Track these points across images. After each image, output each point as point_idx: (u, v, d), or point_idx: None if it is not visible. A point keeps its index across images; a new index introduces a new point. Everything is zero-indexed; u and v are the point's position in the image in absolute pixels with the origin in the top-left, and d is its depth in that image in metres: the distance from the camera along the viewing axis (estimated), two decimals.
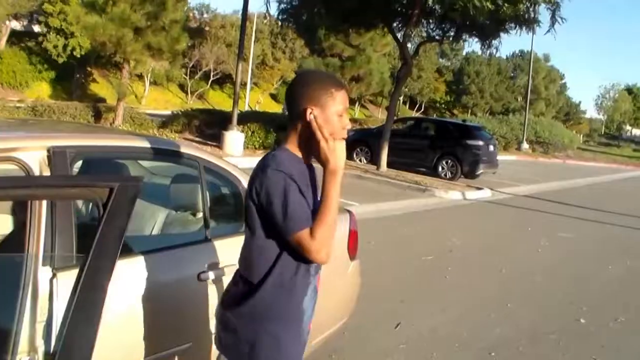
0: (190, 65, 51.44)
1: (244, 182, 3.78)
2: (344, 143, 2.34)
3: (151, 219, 4.06)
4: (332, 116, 2.35)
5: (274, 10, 20.74)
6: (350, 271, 4.36)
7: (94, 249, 2.05)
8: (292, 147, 2.42)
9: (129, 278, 2.97)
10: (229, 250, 3.51)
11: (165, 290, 3.18)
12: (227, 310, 2.47)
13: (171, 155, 3.61)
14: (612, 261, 10.09)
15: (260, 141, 20.26)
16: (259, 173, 2.33)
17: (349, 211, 4.52)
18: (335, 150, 2.30)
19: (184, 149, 3.65)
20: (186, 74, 52.85)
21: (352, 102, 64.72)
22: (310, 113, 2.34)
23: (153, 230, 4.00)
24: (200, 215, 3.75)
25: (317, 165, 2.45)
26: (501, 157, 24.67)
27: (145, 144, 3.47)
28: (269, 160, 2.33)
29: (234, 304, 2.45)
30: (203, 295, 3.31)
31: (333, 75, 2.62)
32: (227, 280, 3.38)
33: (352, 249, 4.34)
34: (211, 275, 3.31)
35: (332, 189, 2.29)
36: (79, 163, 3.26)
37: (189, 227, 3.93)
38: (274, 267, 2.39)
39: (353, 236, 4.34)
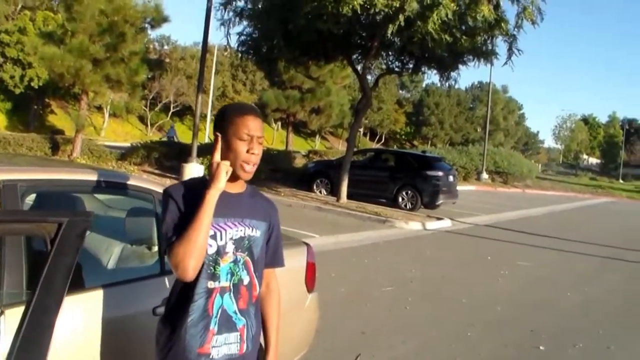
0: (150, 97, 51.38)
1: None
2: (226, 170, 2.41)
3: (106, 253, 4.00)
4: (233, 140, 2.43)
5: (234, 42, 20.69)
6: (307, 304, 4.34)
7: (40, 285, 2.00)
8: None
9: (83, 313, 2.92)
10: None
11: (120, 326, 3.11)
12: None
13: (125, 188, 3.56)
14: (570, 288, 10.19)
15: None
16: None
17: (306, 244, 4.51)
18: (217, 172, 2.38)
19: (138, 182, 3.61)
20: (146, 106, 52.74)
21: (312, 134, 65.27)
22: (216, 139, 2.47)
23: (108, 264, 3.94)
24: (155, 249, 3.70)
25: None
26: (461, 187, 24.89)
27: (99, 178, 3.42)
28: None
29: None
30: None
31: (243, 104, 2.71)
32: None
33: (310, 282, 4.33)
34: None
35: (203, 208, 2.33)
36: (33, 197, 3.20)
37: (144, 260, 3.88)
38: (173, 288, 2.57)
39: (310, 269, 4.33)
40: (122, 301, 3.17)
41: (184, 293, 2.44)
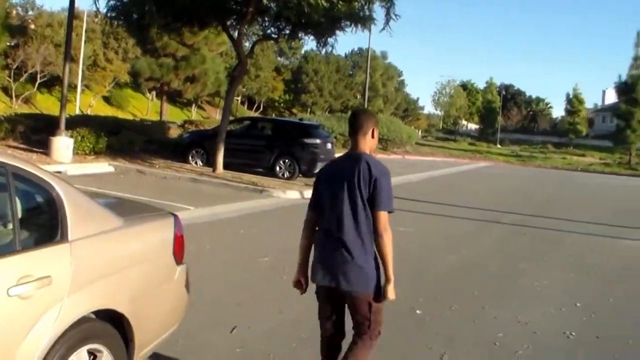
0: (15, 66, 48.52)
1: (59, 188, 3.52)
2: None
3: None
4: (376, 135, 4.22)
5: (103, 7, 19.71)
6: (177, 276, 4.23)
7: None
8: (367, 151, 4.13)
9: None
10: (42, 262, 3.24)
11: None
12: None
13: None
14: (448, 252, 10.46)
15: (91, 146, 18.97)
16: (374, 166, 3.97)
17: (173, 214, 4.39)
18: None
19: None
20: (10, 76, 49.81)
21: (188, 103, 64.01)
22: (373, 131, 4.17)
23: None
24: (10, 225, 3.39)
25: None
26: (340, 154, 24.95)
27: None
28: (372, 159, 4.05)
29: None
30: (13, 312, 3.02)
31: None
32: (40, 293, 3.04)
33: (178, 254, 4.23)
34: (22, 289, 3.04)
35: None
36: None
37: None
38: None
39: (179, 240, 4.24)
40: None
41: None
